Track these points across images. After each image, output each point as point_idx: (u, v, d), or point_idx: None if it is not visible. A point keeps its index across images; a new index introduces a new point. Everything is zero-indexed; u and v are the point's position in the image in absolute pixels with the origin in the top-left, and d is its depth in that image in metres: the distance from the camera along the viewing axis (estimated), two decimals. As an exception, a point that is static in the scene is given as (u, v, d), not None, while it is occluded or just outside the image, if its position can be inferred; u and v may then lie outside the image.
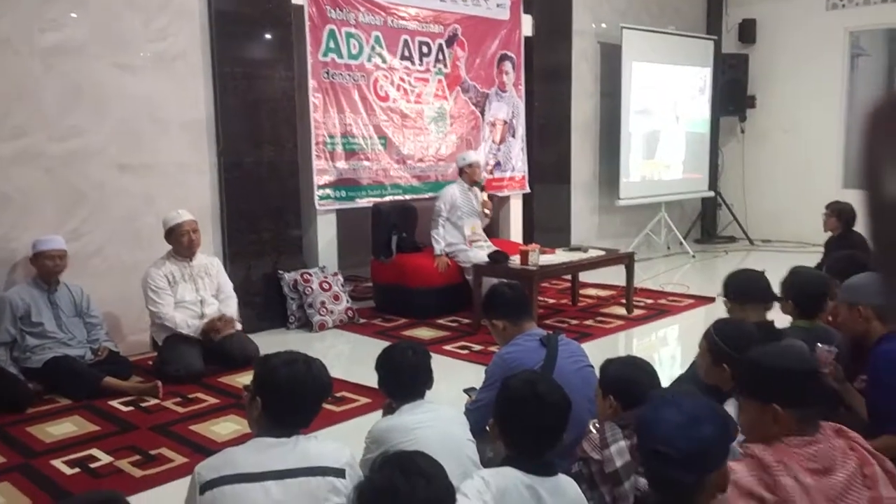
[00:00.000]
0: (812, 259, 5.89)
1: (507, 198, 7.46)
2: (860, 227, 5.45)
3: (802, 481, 1.62)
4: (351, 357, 4.99)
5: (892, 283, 0.50)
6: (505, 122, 7.30)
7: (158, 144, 5.00)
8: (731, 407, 2.30)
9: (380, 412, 2.75)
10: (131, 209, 4.90)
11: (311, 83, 5.73)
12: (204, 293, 4.61)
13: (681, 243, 8.68)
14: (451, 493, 1.45)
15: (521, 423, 1.91)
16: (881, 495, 1.70)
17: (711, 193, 9.43)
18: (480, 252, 5.77)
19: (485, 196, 6.01)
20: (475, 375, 3.61)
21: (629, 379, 2.22)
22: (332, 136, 5.91)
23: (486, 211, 6.03)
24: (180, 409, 3.94)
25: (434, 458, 1.51)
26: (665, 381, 3.01)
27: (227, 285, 4.77)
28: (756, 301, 2.95)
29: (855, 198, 5.91)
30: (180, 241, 4.53)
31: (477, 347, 4.92)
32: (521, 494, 1.80)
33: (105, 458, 3.33)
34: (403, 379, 2.44)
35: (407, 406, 2.39)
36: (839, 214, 5.52)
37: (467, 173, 5.95)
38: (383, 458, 1.52)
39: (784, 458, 1.67)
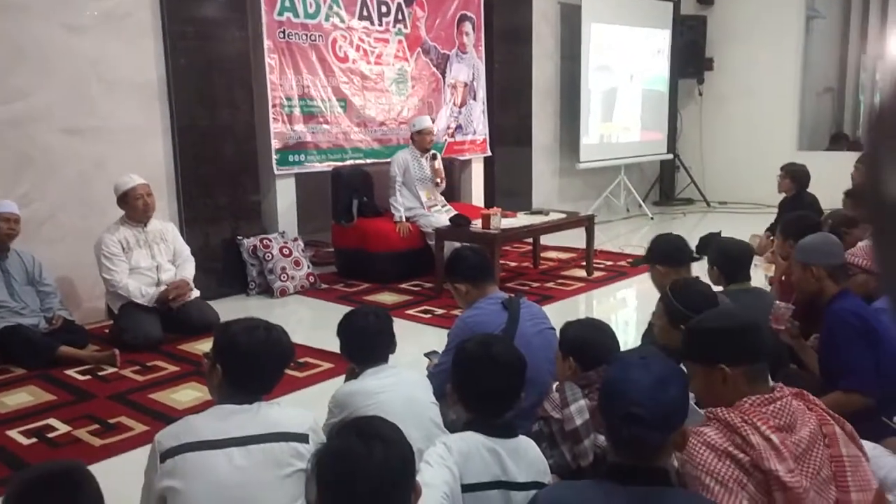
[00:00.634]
0: (766, 220, 6.02)
1: (468, 161, 7.43)
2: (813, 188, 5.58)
3: (770, 438, 1.66)
4: (313, 322, 4.96)
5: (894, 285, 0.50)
6: (465, 85, 7.24)
7: (108, 107, 4.84)
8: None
9: (343, 377, 2.74)
10: (82, 174, 4.75)
11: (267, 43, 5.59)
12: (160, 259, 4.52)
13: (640, 206, 8.78)
14: (410, 457, 1.44)
15: (477, 386, 1.92)
16: (841, 454, 1.75)
17: (670, 156, 9.53)
18: (441, 216, 5.75)
19: (437, 164, 5.88)
20: (438, 339, 3.62)
21: (588, 341, 2.25)
22: (289, 99, 5.79)
23: (438, 180, 5.91)
24: (139, 378, 3.89)
25: (393, 423, 1.51)
26: (623, 343, 3.06)
27: (185, 250, 4.68)
28: (682, 263, 3.02)
29: (809, 160, 6.05)
30: (135, 206, 4.42)
31: (439, 311, 4.93)
32: (483, 457, 1.82)
33: (63, 428, 3.28)
34: (365, 344, 2.44)
35: (370, 370, 2.39)
36: (793, 176, 5.63)
37: (416, 140, 5.86)
38: (342, 423, 1.51)
39: (749, 417, 1.70)
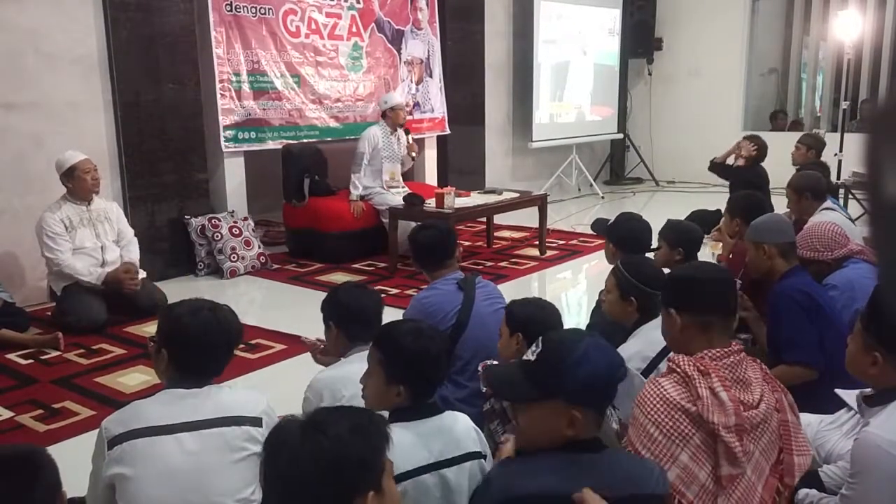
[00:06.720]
0: (712, 199, 6.15)
1: (421, 140, 7.38)
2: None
3: (717, 393, 1.72)
4: (264, 303, 4.88)
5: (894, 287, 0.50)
6: (422, 62, 7.17)
7: (46, 81, 4.65)
8: (635, 340, 2.40)
9: (295, 358, 2.69)
10: (20, 151, 4.57)
11: (212, 17, 5.42)
12: (105, 239, 4.38)
13: (591, 185, 8.87)
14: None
15: (419, 378, 1.80)
16: (787, 419, 1.84)
17: (620, 135, 9.63)
18: (396, 196, 5.70)
19: (410, 139, 5.86)
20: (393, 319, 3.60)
21: (536, 319, 2.26)
22: (237, 74, 5.64)
23: (413, 154, 5.89)
24: (84, 361, 3.78)
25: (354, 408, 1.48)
26: (576, 320, 3.10)
27: (129, 231, 4.54)
28: (636, 254, 3.07)
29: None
30: (83, 180, 4.25)
31: (393, 291, 4.91)
32: (403, 447, 1.69)
33: (5, 414, 3.18)
34: (362, 321, 2.28)
35: (356, 354, 2.20)
36: (759, 148, 5.71)
37: (390, 117, 5.78)
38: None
39: (704, 368, 1.76)
